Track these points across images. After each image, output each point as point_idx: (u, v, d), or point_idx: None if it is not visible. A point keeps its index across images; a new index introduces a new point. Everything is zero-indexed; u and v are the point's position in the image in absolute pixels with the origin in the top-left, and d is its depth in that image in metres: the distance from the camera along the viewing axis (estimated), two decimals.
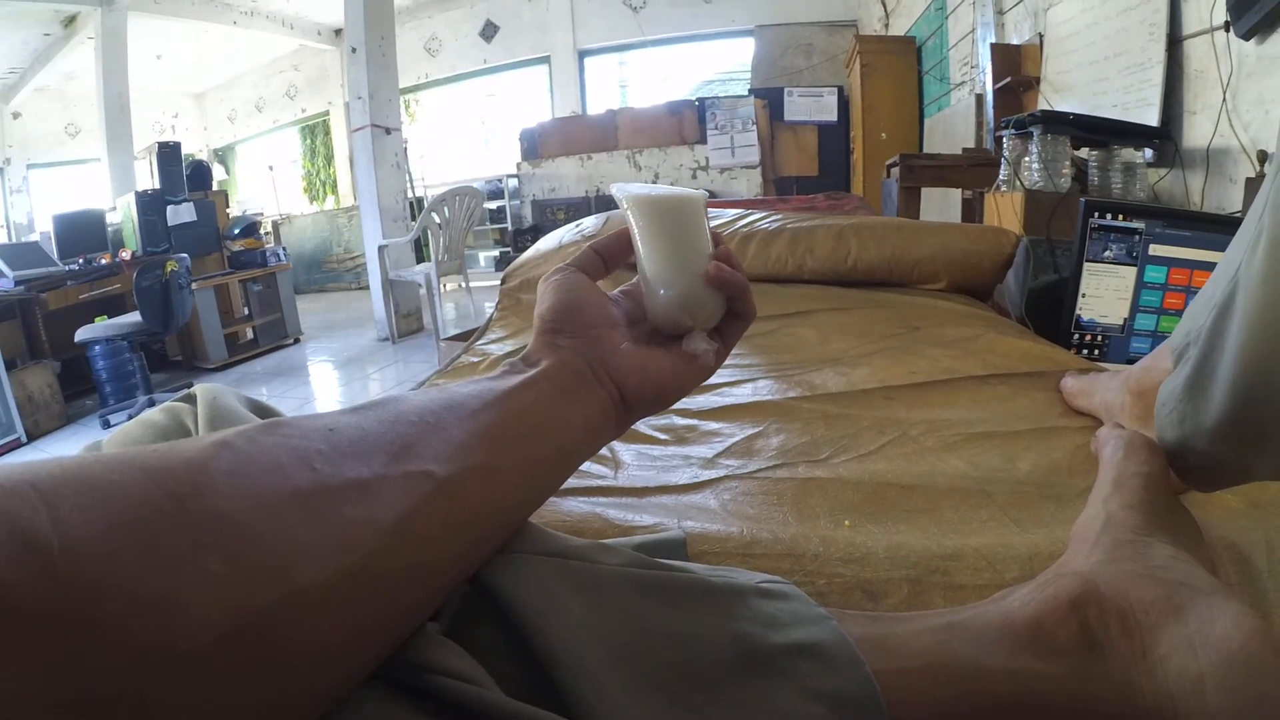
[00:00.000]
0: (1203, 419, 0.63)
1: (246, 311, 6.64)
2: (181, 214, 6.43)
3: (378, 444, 0.42)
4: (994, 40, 4.69)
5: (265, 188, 11.68)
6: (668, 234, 0.59)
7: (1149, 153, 2.75)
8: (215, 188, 7.70)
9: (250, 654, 0.32)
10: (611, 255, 0.63)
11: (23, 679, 0.25)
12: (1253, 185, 2.14)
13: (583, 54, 10.12)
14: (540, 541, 0.50)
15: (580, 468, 0.88)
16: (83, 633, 0.27)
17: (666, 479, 0.88)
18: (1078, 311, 1.56)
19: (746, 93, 8.87)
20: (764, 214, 2.01)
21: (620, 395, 0.56)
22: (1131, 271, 1.52)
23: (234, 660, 0.31)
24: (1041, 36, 4.02)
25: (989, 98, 4.55)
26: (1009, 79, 4.21)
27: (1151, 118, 2.81)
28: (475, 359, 1.63)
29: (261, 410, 0.69)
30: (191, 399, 0.69)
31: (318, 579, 0.35)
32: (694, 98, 9.25)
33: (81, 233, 6.13)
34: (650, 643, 0.45)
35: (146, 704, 0.28)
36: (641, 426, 1.07)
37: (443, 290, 6.28)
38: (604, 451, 0.99)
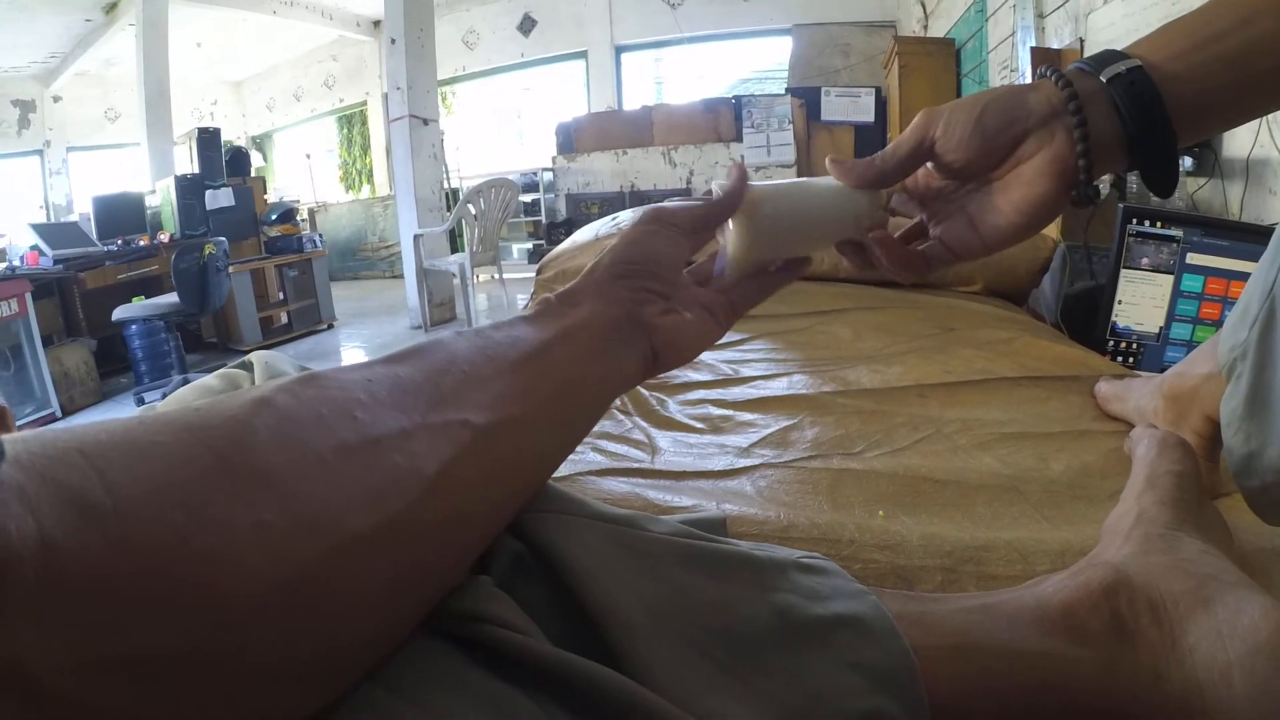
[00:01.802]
0: (1266, 435, 0.63)
1: (281, 296, 6.70)
2: (220, 199, 6.50)
3: (417, 393, 0.42)
4: (1034, 44, 4.65)
5: (302, 176, 11.73)
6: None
7: (1188, 161, 2.73)
8: (253, 174, 7.76)
9: (300, 604, 0.33)
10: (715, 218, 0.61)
11: (82, 640, 0.26)
12: None
13: (619, 49, 10.10)
14: (591, 508, 0.51)
15: (618, 451, 0.90)
16: (139, 592, 0.27)
17: (703, 465, 0.89)
18: (1114, 318, 1.56)
19: (783, 91, 8.82)
20: None
21: (653, 351, 0.56)
22: (1168, 280, 1.52)
23: (285, 611, 0.32)
24: (1082, 41, 3.99)
25: None
26: None
27: None
28: None
29: None
30: (248, 365, 0.70)
31: (364, 528, 0.35)
32: (730, 95, 9.21)
33: (120, 215, 6.21)
34: (694, 609, 0.46)
35: (199, 657, 0.29)
36: (678, 415, 1.09)
37: (476, 280, 6.31)
38: (640, 437, 1.01)
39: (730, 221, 0.60)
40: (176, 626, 0.28)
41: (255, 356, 0.73)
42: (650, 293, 0.56)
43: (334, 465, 0.36)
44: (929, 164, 0.62)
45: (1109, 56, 0.55)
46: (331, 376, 0.41)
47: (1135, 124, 0.53)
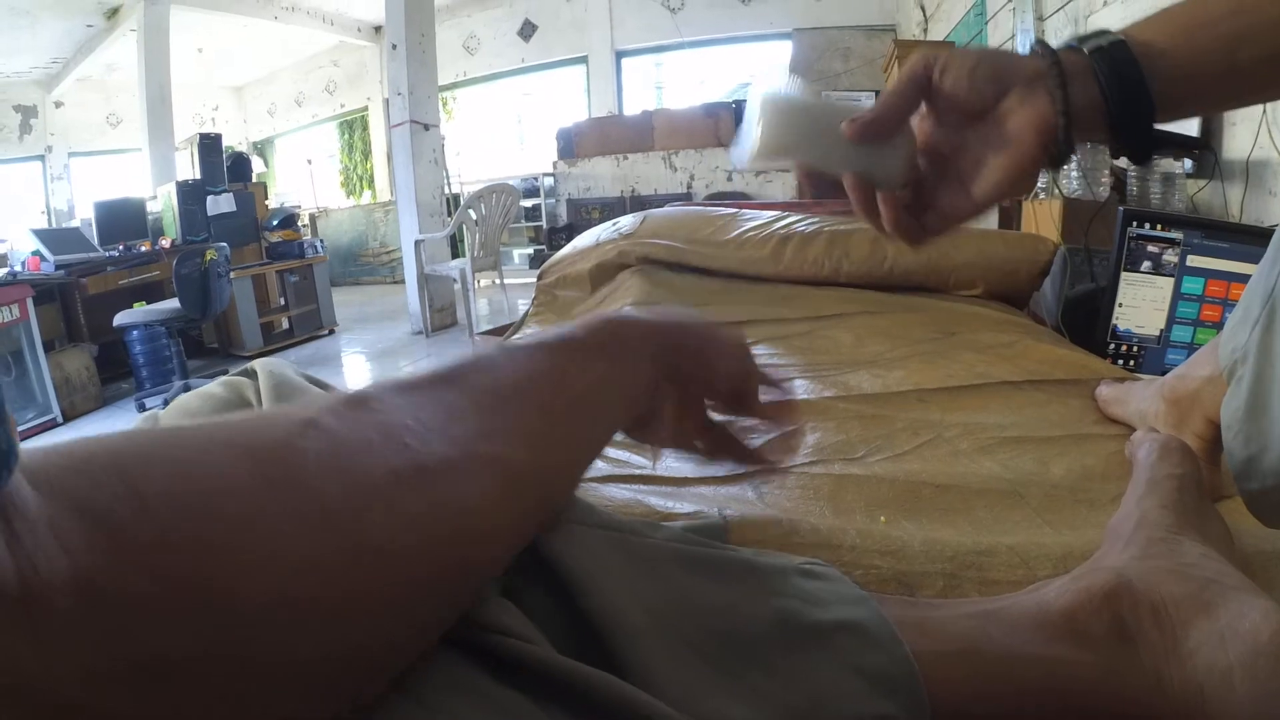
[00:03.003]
0: (1266, 439, 0.63)
1: (283, 301, 6.70)
2: (221, 204, 6.51)
3: (464, 422, 0.42)
4: None
5: (303, 181, 11.75)
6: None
7: (1188, 163, 2.73)
8: (254, 180, 7.77)
9: (345, 633, 0.32)
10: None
11: (110, 664, 0.25)
12: None
13: (620, 54, 10.11)
14: (594, 515, 0.52)
15: (619, 457, 0.90)
16: (179, 621, 0.26)
17: (705, 470, 0.89)
18: (1114, 321, 1.57)
19: None
20: (801, 216, 2.01)
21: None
22: (1169, 282, 1.52)
23: (331, 640, 0.32)
24: None
25: None
26: None
27: (1191, 128, 2.79)
28: None
29: (321, 386, 0.70)
30: (251, 373, 0.70)
31: (412, 562, 0.35)
32: (730, 100, 9.22)
33: (122, 220, 6.22)
34: (696, 613, 0.46)
35: (219, 661, 0.28)
36: None
37: (477, 286, 6.31)
38: None
39: (760, 111, 0.64)
40: (214, 661, 0.27)
41: (259, 364, 0.72)
42: (673, 386, 0.60)
43: (384, 495, 0.35)
44: (924, 104, 0.65)
45: (1098, 33, 0.59)
46: (379, 398, 0.41)
47: (1113, 91, 0.56)
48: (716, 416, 0.68)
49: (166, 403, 0.74)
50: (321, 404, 0.39)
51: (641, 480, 0.84)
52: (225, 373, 0.75)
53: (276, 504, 0.31)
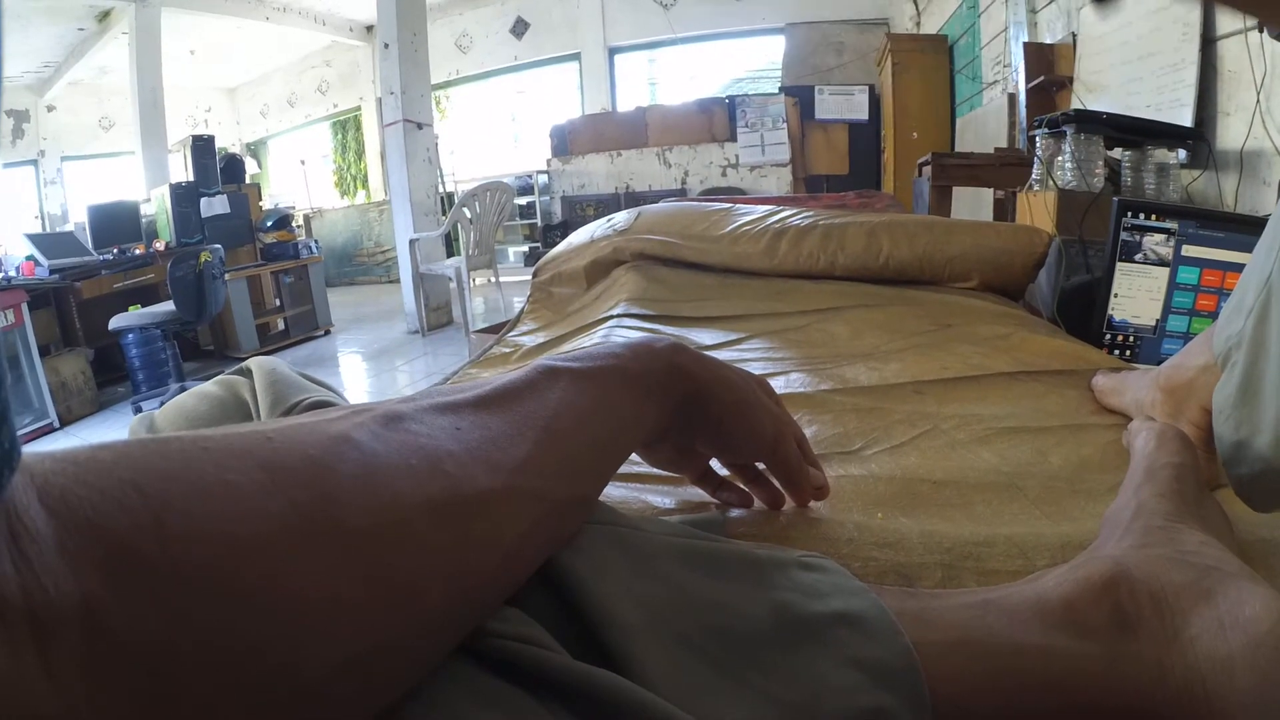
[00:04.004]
0: (1257, 423, 0.63)
1: (278, 303, 6.71)
2: (215, 206, 6.51)
3: (506, 449, 0.41)
4: (1027, 39, 4.66)
5: (297, 182, 11.74)
6: None
7: (1183, 153, 2.74)
8: (248, 181, 7.78)
9: (370, 675, 0.31)
10: None
11: (118, 700, 0.23)
12: None
13: (613, 51, 10.11)
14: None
15: None
16: (196, 667, 0.25)
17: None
18: (1110, 311, 1.56)
19: (777, 90, 8.84)
20: (795, 210, 2.01)
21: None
22: (1164, 272, 1.52)
23: (352, 682, 0.30)
24: (1075, 36, 4.00)
25: (1021, 97, 4.53)
26: (1042, 78, 4.19)
27: (1185, 118, 2.79)
28: (507, 349, 1.65)
29: (315, 382, 0.70)
30: (246, 371, 0.70)
31: (442, 603, 0.34)
32: (724, 95, 9.22)
33: (116, 223, 6.23)
34: (693, 607, 0.46)
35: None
36: None
37: (472, 284, 6.30)
38: None
39: None
40: (231, 701, 0.26)
41: (254, 362, 0.72)
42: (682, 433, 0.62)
43: (420, 528, 0.34)
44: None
45: None
46: (418, 417, 0.39)
47: None
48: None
49: (163, 405, 0.74)
50: (357, 419, 0.37)
51: (638, 479, 0.83)
52: (221, 373, 0.75)
53: (304, 537, 0.30)
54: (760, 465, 0.70)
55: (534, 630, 0.40)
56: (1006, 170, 3.34)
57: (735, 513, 0.72)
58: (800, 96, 8.62)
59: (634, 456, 0.73)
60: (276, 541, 0.28)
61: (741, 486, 0.72)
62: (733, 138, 8.68)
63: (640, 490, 0.81)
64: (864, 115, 8.56)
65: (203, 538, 0.26)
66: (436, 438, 0.38)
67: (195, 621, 0.25)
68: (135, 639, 0.24)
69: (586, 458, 0.47)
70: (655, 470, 0.82)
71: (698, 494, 0.76)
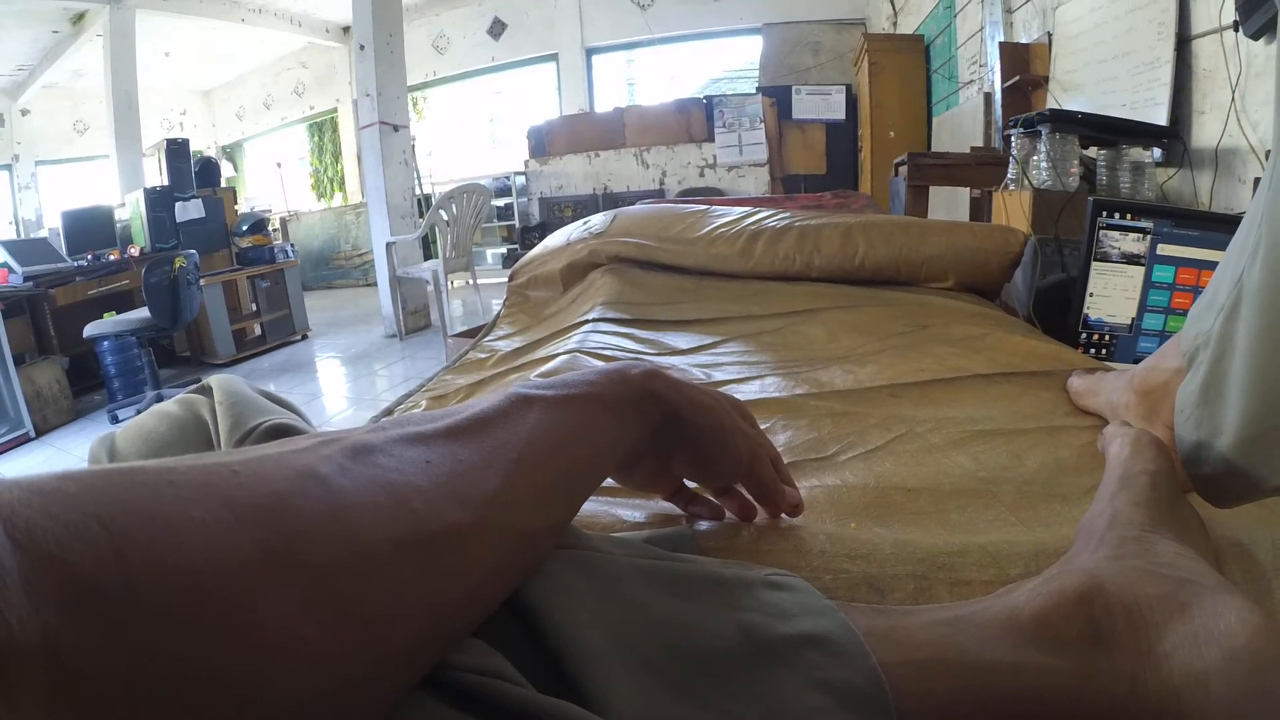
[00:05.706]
0: (1219, 423, 0.63)
1: (254, 308, 6.67)
2: (190, 210, 6.46)
3: (475, 484, 0.40)
4: (1002, 39, 4.69)
5: (273, 185, 11.70)
6: None
7: (1158, 152, 2.75)
8: (223, 185, 7.71)
9: (335, 711, 0.31)
10: None
11: None
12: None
13: (590, 52, 10.12)
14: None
15: None
16: (160, 705, 0.25)
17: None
18: (1085, 310, 1.56)
19: (754, 91, 8.87)
20: (771, 212, 2.00)
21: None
22: (1139, 271, 1.52)
23: (317, 718, 0.30)
24: (1050, 35, 4.01)
25: (997, 96, 4.55)
26: (1017, 78, 4.21)
27: (1160, 117, 2.80)
28: (483, 355, 1.64)
29: (276, 401, 0.69)
30: (206, 390, 0.69)
31: (411, 638, 0.34)
32: (702, 96, 9.24)
33: (90, 229, 6.16)
34: (657, 631, 0.45)
35: None
36: None
37: (450, 287, 6.29)
38: None
39: None
40: None
41: (213, 380, 0.72)
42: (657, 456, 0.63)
43: (386, 565, 0.34)
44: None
45: None
46: (387, 450, 0.39)
47: None
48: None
49: (139, 414, 0.73)
50: (325, 451, 0.36)
51: (609, 492, 0.82)
52: (198, 381, 0.74)
53: (268, 573, 0.29)
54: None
55: (495, 661, 0.39)
56: (983, 170, 3.35)
57: (705, 525, 0.71)
58: (778, 96, 8.64)
59: None
60: (239, 577, 0.28)
61: (712, 500, 0.72)
62: (710, 138, 8.71)
63: (610, 505, 0.80)
64: (841, 115, 8.59)
65: (164, 571, 0.26)
66: (406, 472, 0.38)
67: (156, 655, 0.25)
68: (96, 673, 0.23)
69: (559, 487, 0.47)
70: None
71: (668, 507, 0.75)
